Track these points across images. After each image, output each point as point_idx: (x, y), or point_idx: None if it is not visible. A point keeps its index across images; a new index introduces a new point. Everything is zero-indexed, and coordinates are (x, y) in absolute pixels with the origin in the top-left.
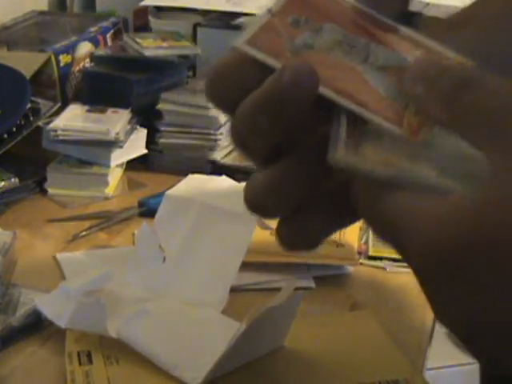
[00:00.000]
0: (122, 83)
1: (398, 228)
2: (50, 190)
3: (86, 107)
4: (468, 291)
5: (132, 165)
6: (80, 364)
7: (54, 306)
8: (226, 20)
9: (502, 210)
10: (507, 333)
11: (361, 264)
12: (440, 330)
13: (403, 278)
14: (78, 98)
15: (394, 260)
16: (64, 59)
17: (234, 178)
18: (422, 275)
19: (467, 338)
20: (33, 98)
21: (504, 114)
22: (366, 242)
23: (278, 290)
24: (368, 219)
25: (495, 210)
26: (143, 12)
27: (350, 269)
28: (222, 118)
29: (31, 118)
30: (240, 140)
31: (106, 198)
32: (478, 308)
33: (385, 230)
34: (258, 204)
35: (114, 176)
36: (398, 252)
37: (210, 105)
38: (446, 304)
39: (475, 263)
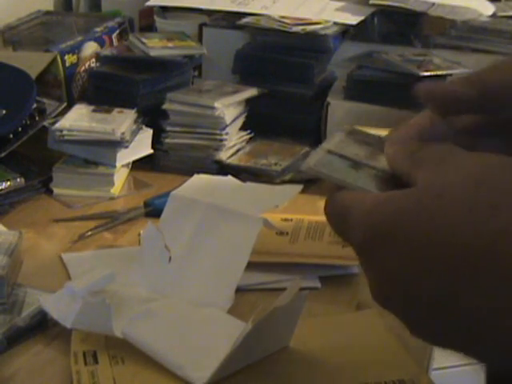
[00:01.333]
0: (128, 83)
1: (345, 213)
2: (56, 190)
3: (92, 107)
4: (392, 254)
5: (138, 165)
6: (86, 364)
7: (60, 306)
8: (232, 20)
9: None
10: (412, 294)
11: None
12: None
13: None
14: (84, 97)
15: None
16: (69, 59)
17: (239, 178)
18: (361, 248)
19: (384, 299)
20: (38, 98)
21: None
22: None
23: (284, 290)
24: (326, 213)
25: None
26: (149, 12)
27: (356, 269)
28: (228, 118)
29: (37, 118)
30: None
31: (112, 198)
32: (395, 268)
33: (336, 219)
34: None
35: (120, 176)
36: (345, 237)
37: (216, 105)
38: (377, 269)
39: (397, 234)
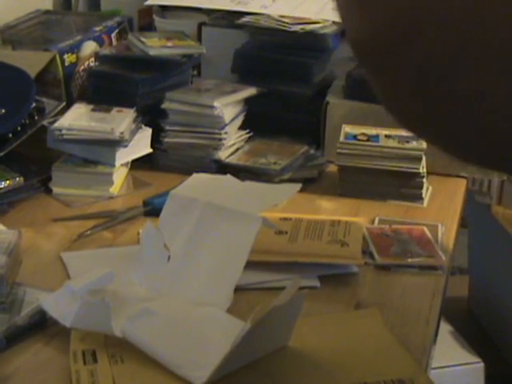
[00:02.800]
0: (127, 82)
1: None
2: (55, 190)
3: (91, 106)
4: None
5: (137, 164)
6: (85, 363)
7: (59, 306)
8: (231, 19)
9: None
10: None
11: (365, 263)
12: (444, 330)
13: (408, 277)
14: (83, 97)
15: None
16: (69, 58)
17: (238, 177)
18: None
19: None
20: (37, 98)
21: None
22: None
23: (283, 289)
24: None
25: None
26: (148, 11)
27: (355, 268)
28: (227, 117)
29: (36, 118)
30: None
31: (111, 198)
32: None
33: None
34: None
35: (119, 175)
36: None
37: (215, 104)
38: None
39: None
